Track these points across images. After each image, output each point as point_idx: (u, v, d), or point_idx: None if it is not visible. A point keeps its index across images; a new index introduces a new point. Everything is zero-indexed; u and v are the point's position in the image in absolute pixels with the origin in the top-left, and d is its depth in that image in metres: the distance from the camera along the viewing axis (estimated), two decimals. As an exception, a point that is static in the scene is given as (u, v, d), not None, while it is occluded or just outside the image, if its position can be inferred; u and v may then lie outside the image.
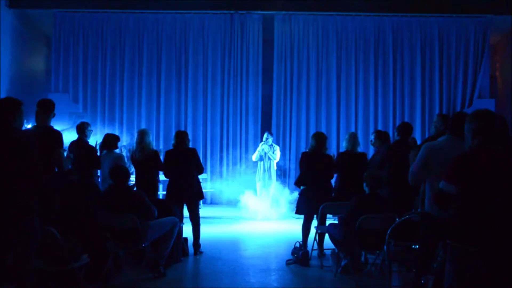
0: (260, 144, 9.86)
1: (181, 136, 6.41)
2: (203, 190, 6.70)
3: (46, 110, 4.64)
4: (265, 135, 9.74)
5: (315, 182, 6.11)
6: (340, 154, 6.60)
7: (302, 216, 6.29)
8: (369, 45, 11.29)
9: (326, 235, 5.89)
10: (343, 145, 6.59)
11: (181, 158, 6.28)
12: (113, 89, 11.31)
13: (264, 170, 9.66)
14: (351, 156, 6.28)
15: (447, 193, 2.95)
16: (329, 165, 6.23)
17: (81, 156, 6.72)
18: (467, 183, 2.88)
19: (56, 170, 4.69)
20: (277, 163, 10.16)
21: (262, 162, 9.70)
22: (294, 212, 6.35)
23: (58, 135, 4.59)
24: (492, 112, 3.15)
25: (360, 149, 6.53)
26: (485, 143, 2.96)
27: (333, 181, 6.49)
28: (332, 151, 10.76)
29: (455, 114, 4.42)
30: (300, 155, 6.55)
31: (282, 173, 10.71)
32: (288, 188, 9.89)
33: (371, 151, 8.47)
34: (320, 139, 6.21)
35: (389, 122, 11.24)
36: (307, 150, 6.45)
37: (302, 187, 6.27)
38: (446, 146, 3.98)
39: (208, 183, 10.99)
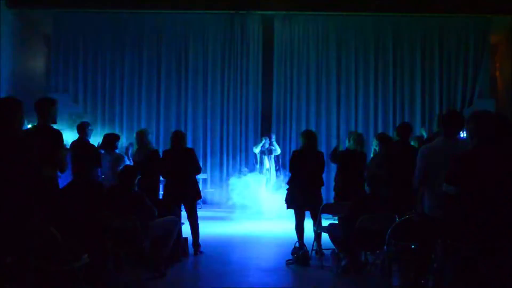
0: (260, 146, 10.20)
1: (178, 136, 6.39)
2: (204, 190, 6.70)
3: (42, 109, 4.60)
4: (263, 141, 10.23)
5: (304, 178, 6.10)
6: (341, 153, 6.59)
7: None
8: (369, 45, 11.29)
9: (323, 234, 5.90)
10: (346, 144, 6.58)
11: (178, 158, 6.27)
12: (113, 89, 11.31)
13: (266, 167, 10.05)
14: (352, 156, 6.28)
15: (451, 195, 2.96)
16: (320, 161, 6.21)
17: (82, 155, 6.73)
18: (466, 183, 2.88)
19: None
20: (278, 163, 10.32)
21: (265, 157, 10.09)
22: (286, 207, 6.36)
23: (58, 135, 4.56)
24: (489, 112, 3.17)
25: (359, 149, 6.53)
26: (483, 143, 2.97)
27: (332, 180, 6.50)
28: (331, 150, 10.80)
29: (447, 114, 4.41)
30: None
31: (281, 172, 10.71)
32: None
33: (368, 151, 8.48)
34: (310, 136, 6.20)
35: (389, 122, 11.25)
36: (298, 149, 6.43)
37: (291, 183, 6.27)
38: (441, 147, 4.00)
39: (208, 184, 11.01)
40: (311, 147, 6.13)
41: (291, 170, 6.28)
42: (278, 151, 10.26)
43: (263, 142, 10.27)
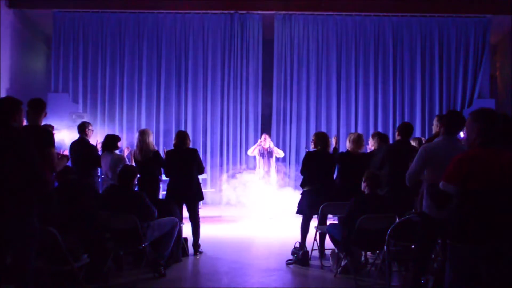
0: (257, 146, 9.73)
1: (182, 136, 6.43)
2: (204, 190, 6.71)
3: (37, 109, 4.60)
4: (263, 138, 9.66)
5: (319, 182, 6.10)
6: (342, 154, 6.60)
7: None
8: (369, 45, 11.30)
9: (327, 235, 5.90)
10: (346, 145, 6.58)
11: (182, 158, 6.29)
12: (113, 89, 11.31)
13: (265, 170, 9.51)
14: (353, 157, 6.28)
15: (445, 193, 2.95)
16: (332, 164, 6.24)
17: (82, 155, 6.74)
18: (467, 183, 2.87)
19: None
20: (278, 163, 10.14)
21: (262, 160, 9.56)
22: (296, 212, 6.34)
23: (49, 134, 4.56)
24: (495, 112, 3.12)
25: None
26: (487, 143, 2.95)
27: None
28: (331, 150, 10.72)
29: (449, 114, 4.41)
30: (300, 155, 6.52)
31: (282, 174, 10.66)
32: (289, 187, 9.87)
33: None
34: (323, 138, 6.22)
35: (389, 122, 11.25)
36: (310, 150, 6.43)
37: (305, 188, 6.25)
38: (442, 146, 4.00)
39: (208, 183, 11.00)
40: (325, 150, 6.16)
41: (303, 173, 6.26)
42: (279, 153, 9.72)
43: (258, 143, 9.72)
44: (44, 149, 4.37)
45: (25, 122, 4.45)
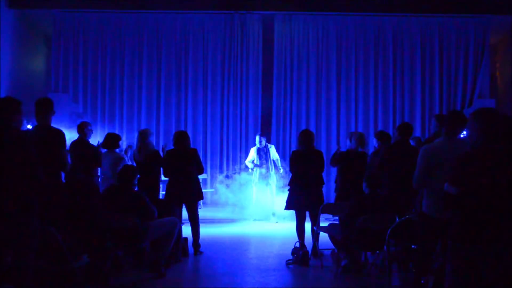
0: (253, 149, 9.38)
1: (181, 136, 6.42)
2: (203, 191, 6.72)
3: (45, 109, 4.60)
4: (257, 139, 9.28)
5: (305, 179, 6.11)
6: (342, 154, 6.60)
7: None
8: (369, 45, 11.30)
9: (321, 234, 5.91)
10: (348, 144, 6.57)
11: (182, 158, 6.29)
12: (113, 89, 11.31)
13: (261, 175, 9.20)
14: (354, 156, 6.28)
15: (452, 195, 2.93)
16: (320, 161, 6.22)
17: (82, 155, 6.74)
18: (469, 183, 2.87)
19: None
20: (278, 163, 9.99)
21: (259, 160, 9.25)
22: (284, 208, 6.36)
23: (61, 135, 4.56)
24: (497, 112, 3.11)
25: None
26: (489, 143, 2.94)
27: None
28: (333, 151, 10.69)
29: (450, 114, 4.40)
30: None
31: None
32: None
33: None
34: (308, 136, 6.22)
35: (389, 122, 11.25)
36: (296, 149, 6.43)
37: (292, 185, 6.26)
38: (442, 147, 3.99)
39: (208, 184, 11.00)
40: (308, 146, 6.14)
41: (290, 171, 6.30)
42: (279, 167, 9.32)
43: (255, 157, 9.23)
44: (56, 149, 4.39)
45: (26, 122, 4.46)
